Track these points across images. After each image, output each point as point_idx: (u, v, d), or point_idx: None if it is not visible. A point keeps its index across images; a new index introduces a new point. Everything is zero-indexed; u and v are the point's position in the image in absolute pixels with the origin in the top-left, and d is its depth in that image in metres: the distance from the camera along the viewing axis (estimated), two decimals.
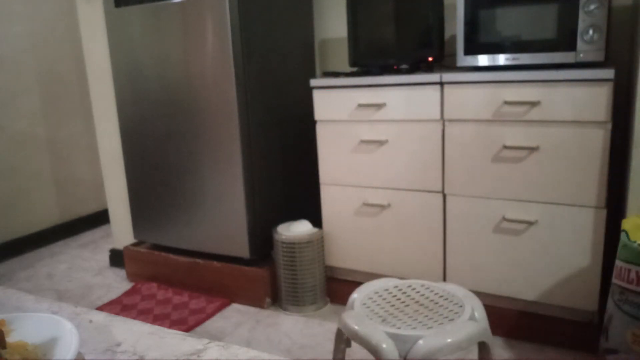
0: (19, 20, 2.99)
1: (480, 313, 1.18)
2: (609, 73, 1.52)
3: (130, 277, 2.56)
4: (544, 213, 1.69)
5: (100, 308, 2.25)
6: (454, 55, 1.92)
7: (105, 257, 2.89)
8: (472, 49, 1.77)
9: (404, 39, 1.98)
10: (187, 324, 2.07)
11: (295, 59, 2.34)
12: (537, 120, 1.65)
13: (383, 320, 1.16)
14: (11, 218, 3.01)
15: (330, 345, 1.88)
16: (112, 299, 2.35)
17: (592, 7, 1.57)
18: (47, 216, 3.19)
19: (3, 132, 2.95)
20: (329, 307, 2.18)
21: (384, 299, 1.26)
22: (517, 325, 1.84)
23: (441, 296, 1.25)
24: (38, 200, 3.14)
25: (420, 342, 1.07)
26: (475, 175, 1.78)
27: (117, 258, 2.73)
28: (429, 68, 1.99)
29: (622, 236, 1.45)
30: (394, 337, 1.10)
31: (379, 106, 1.90)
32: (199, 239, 2.28)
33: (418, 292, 1.28)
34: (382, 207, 1.98)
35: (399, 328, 1.12)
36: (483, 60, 1.76)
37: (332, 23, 2.45)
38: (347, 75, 2.03)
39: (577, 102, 1.58)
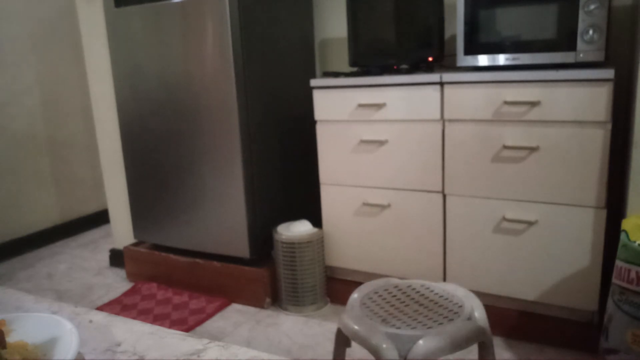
0: (19, 20, 2.99)
1: (480, 313, 1.18)
2: (609, 73, 1.52)
3: (130, 277, 2.56)
4: (544, 213, 1.69)
5: (100, 308, 2.25)
6: (454, 55, 1.92)
7: (105, 257, 2.89)
8: (472, 49, 1.77)
9: (404, 39, 1.98)
10: (187, 324, 2.07)
11: (295, 59, 2.34)
12: (537, 120, 1.65)
13: (383, 320, 1.16)
14: (11, 218, 3.01)
15: (330, 345, 1.88)
16: (112, 299, 2.35)
17: (592, 7, 1.57)
18: (47, 216, 3.19)
19: (3, 132, 2.95)
20: (329, 307, 2.18)
21: (384, 299, 1.26)
22: (517, 325, 1.84)
23: (441, 296, 1.25)
24: (38, 200, 3.14)
25: (420, 342, 1.07)
26: (475, 175, 1.78)
27: (117, 258, 2.73)
28: (429, 68, 1.99)
29: (622, 236, 1.44)
30: (393, 337, 1.10)
31: (379, 106, 1.90)
32: (199, 239, 2.28)
33: (418, 292, 1.28)
34: (382, 207, 1.98)
35: (398, 328, 1.12)
36: (483, 60, 1.76)
37: (332, 23, 2.45)
38: (347, 75, 2.03)
39: (577, 102, 1.58)
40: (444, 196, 1.86)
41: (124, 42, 2.27)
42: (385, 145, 1.92)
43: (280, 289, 2.17)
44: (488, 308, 1.79)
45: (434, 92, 1.79)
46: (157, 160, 2.31)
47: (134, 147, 2.37)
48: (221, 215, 2.19)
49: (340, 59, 2.46)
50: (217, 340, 0.66)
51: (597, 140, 1.58)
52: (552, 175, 1.66)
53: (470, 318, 1.15)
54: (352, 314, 1.19)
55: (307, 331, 1.99)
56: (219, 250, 2.24)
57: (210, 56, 2.05)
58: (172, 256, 2.38)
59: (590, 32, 1.58)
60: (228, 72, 2.02)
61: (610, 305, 1.47)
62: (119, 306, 2.27)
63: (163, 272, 2.43)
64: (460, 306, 1.20)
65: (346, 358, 1.30)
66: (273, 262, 2.21)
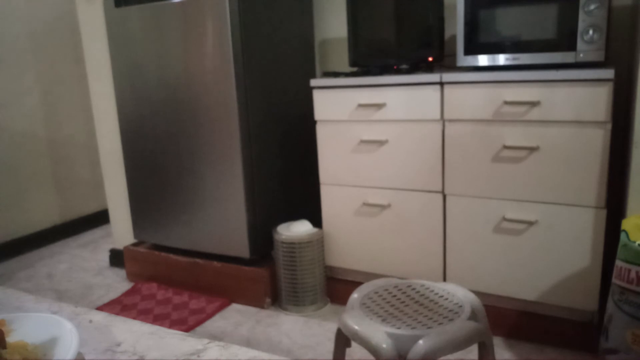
0: (19, 20, 2.99)
1: (480, 313, 1.18)
2: (609, 73, 1.52)
3: (130, 277, 2.56)
4: (544, 213, 1.69)
5: (100, 308, 2.25)
6: (454, 55, 1.92)
7: (105, 257, 2.89)
8: (472, 49, 1.77)
9: (404, 39, 1.98)
10: (187, 324, 2.07)
11: (295, 59, 2.34)
12: (537, 120, 1.65)
13: (383, 320, 1.16)
14: (11, 218, 3.01)
15: (330, 345, 1.88)
16: (112, 299, 2.35)
17: (592, 7, 1.57)
18: (47, 216, 3.19)
19: (3, 132, 2.95)
20: (329, 307, 2.18)
21: (384, 299, 1.26)
22: (517, 325, 1.84)
23: (441, 296, 1.25)
24: (38, 200, 3.14)
25: (420, 342, 1.07)
26: (475, 175, 1.78)
27: (117, 258, 2.73)
28: (429, 68, 1.99)
29: (622, 236, 1.44)
30: (394, 337, 1.10)
31: (379, 106, 1.90)
32: (199, 239, 2.28)
33: (418, 292, 1.28)
34: (382, 207, 1.98)
35: (398, 328, 1.12)
36: (483, 60, 1.76)
37: (332, 23, 2.45)
38: (347, 75, 2.03)
39: (577, 102, 1.58)
40: (444, 196, 1.86)
41: (124, 42, 2.27)
42: (385, 145, 1.92)
43: (280, 289, 2.17)
44: (488, 308, 1.78)
45: (434, 92, 1.79)
46: (157, 160, 2.31)
47: (134, 147, 2.37)
48: (221, 215, 2.19)
49: (340, 59, 2.46)
50: (217, 340, 0.66)
51: (597, 140, 1.58)
52: (552, 175, 1.66)
53: (470, 318, 1.15)
54: (352, 314, 1.20)
55: (307, 331, 1.99)
56: (219, 250, 2.24)
57: (210, 56, 2.05)
58: (172, 256, 2.38)
59: (590, 32, 1.58)
60: (228, 72, 2.02)
61: (610, 305, 1.47)
62: (119, 306, 2.27)
63: (163, 272, 2.43)
64: (460, 306, 1.20)
65: (346, 358, 1.30)
66: (273, 262, 2.20)
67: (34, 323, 0.67)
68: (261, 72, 2.14)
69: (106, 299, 2.37)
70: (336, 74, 2.07)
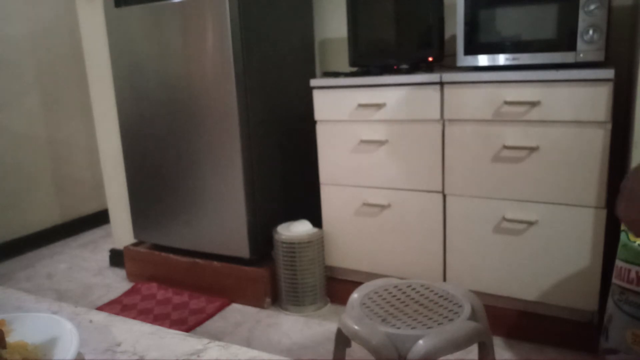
0: (19, 20, 2.99)
1: (480, 313, 1.18)
2: (609, 73, 1.52)
3: (130, 277, 2.56)
4: (544, 213, 1.69)
5: (100, 308, 2.25)
6: (454, 55, 1.92)
7: (105, 257, 2.89)
8: (472, 49, 1.77)
9: (404, 39, 1.98)
10: (187, 324, 2.07)
11: (295, 59, 2.34)
12: (537, 120, 1.65)
13: (383, 320, 1.16)
14: (11, 218, 3.01)
15: (330, 345, 1.88)
16: (112, 299, 2.35)
17: (592, 7, 1.57)
18: (47, 216, 3.19)
19: (3, 132, 2.95)
20: (329, 307, 2.18)
21: (384, 298, 1.26)
22: (517, 325, 1.84)
23: (441, 296, 1.25)
24: (38, 200, 3.14)
25: (420, 342, 1.07)
26: (475, 175, 1.78)
27: (117, 258, 2.73)
28: (429, 68, 1.99)
29: (622, 236, 1.44)
30: (393, 337, 1.10)
31: (379, 106, 1.90)
32: (199, 239, 2.28)
33: (418, 292, 1.28)
34: (382, 207, 1.98)
35: (398, 328, 1.12)
36: (483, 60, 1.76)
37: (332, 23, 2.45)
38: (347, 75, 2.03)
39: (577, 102, 1.58)
40: (444, 196, 1.86)
41: (124, 42, 2.27)
42: (385, 145, 1.92)
43: (280, 289, 2.17)
44: (488, 308, 1.79)
45: (434, 92, 1.79)
46: (157, 160, 2.31)
47: (134, 147, 2.37)
48: (221, 215, 2.19)
49: (340, 59, 2.46)
50: (217, 340, 0.66)
51: (597, 140, 1.58)
52: (552, 175, 1.66)
53: (470, 318, 1.15)
54: (352, 314, 1.20)
55: (307, 331, 1.99)
56: (219, 250, 2.24)
57: (210, 56, 2.05)
58: (172, 256, 2.38)
59: (590, 32, 1.58)
60: (228, 72, 2.02)
61: (610, 305, 1.47)
62: (119, 306, 2.27)
63: (163, 272, 2.43)
64: (460, 306, 1.20)
65: (346, 358, 1.30)
66: (273, 262, 2.20)
67: (34, 323, 0.67)
68: (261, 72, 2.14)
69: (106, 299, 2.37)
70: (336, 74, 2.07)
